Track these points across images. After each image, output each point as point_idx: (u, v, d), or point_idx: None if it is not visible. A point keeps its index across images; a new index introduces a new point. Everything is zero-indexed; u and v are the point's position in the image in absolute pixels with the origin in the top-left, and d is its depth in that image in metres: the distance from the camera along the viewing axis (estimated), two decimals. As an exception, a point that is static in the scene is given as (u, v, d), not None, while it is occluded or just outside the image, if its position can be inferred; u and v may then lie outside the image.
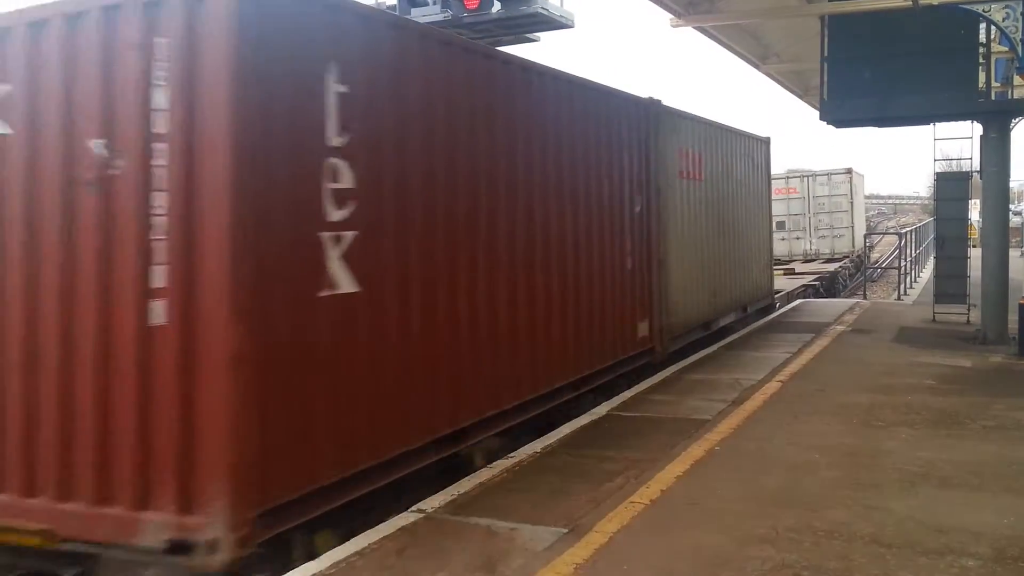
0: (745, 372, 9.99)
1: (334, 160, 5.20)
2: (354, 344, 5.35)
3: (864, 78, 12.76)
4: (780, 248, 27.67)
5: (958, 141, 14.19)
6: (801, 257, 29.13)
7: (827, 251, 28.90)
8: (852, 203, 28.88)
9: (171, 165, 4.56)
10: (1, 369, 4.94)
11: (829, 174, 29.22)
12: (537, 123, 7.77)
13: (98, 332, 4.70)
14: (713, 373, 10.07)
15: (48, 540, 4.73)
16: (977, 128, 12.99)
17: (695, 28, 15.76)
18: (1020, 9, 10.61)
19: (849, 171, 29.15)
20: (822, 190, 29.19)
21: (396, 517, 5.44)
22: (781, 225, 28.26)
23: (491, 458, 6.74)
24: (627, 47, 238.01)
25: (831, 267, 26.44)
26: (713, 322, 12.81)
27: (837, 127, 14.13)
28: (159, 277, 4.57)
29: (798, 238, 29.55)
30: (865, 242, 30.96)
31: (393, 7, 12.52)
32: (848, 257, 28.76)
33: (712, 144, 12.89)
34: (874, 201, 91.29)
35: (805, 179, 29.56)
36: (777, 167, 29.16)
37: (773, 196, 27.86)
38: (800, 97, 24.97)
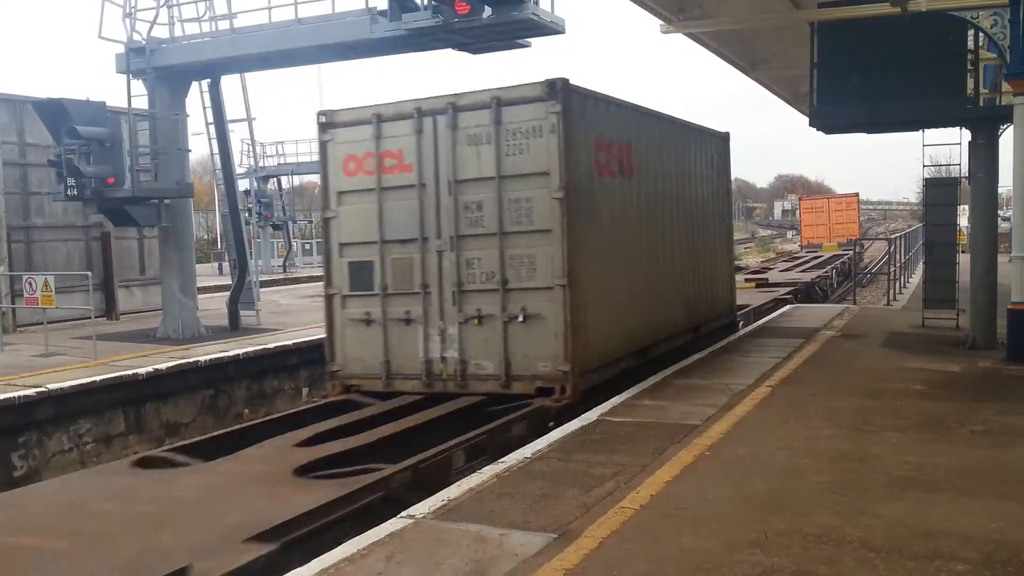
0: (735, 377, 10.01)
1: None
2: None
3: (853, 84, 12.85)
4: (356, 357, 9.62)
5: (947, 147, 14.26)
6: (420, 382, 9.27)
7: (490, 366, 9.02)
8: (557, 213, 8.63)
9: None
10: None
11: (497, 104, 8.78)
12: None
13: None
14: (703, 378, 10.08)
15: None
16: (966, 134, 13.09)
17: (685, 34, 15.84)
18: (1008, 16, 10.67)
19: (554, 89, 8.52)
20: (476, 159, 8.97)
21: (386, 523, 5.43)
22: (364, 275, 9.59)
23: None
24: (618, 53, 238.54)
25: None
26: None
27: (827, 133, 14.21)
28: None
29: (407, 321, 9.32)
30: (857, 248, 25.40)
31: (384, 12, 12.53)
32: (555, 394, 8.63)
33: None
34: (864, 207, 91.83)
35: (428, 123, 9.11)
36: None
37: (340, 188, 9.45)
38: (790, 103, 25.09)
